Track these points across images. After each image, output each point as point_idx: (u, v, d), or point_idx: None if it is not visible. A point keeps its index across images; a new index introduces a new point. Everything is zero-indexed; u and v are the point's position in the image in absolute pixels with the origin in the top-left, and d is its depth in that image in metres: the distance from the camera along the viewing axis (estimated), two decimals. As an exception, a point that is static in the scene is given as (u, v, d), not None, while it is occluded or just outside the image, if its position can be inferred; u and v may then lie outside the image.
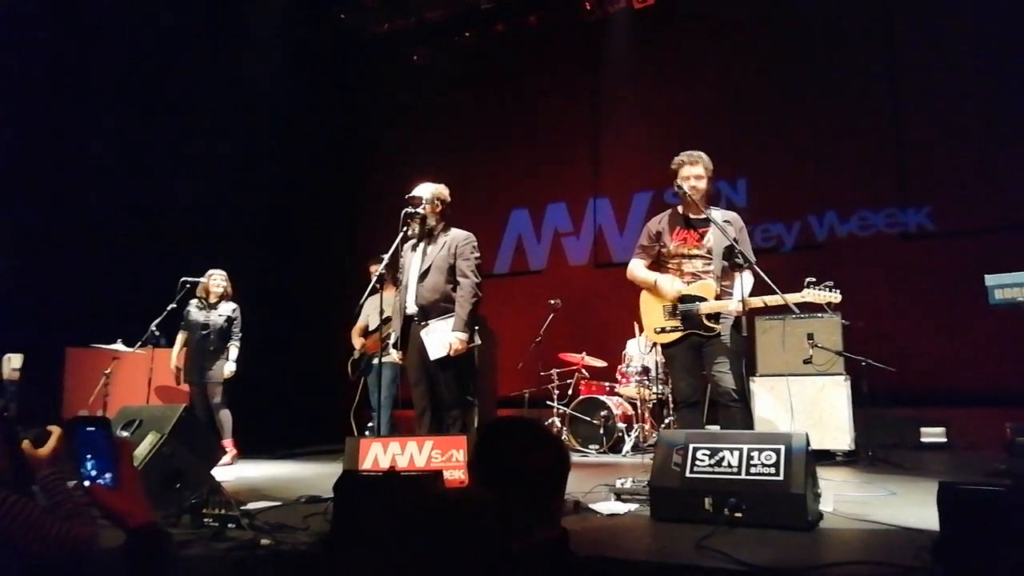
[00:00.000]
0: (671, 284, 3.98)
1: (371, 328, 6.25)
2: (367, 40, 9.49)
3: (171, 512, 3.43)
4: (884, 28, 7.36)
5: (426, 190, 4.37)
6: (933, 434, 6.23)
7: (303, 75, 8.64)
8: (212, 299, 6.16)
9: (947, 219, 6.88)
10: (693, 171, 4.02)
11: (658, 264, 4.16)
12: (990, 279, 3.50)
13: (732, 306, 3.85)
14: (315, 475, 5.28)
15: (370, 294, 4.48)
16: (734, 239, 3.89)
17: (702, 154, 4.09)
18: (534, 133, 8.89)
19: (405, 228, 4.29)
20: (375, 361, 6.01)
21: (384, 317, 5.99)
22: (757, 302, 3.82)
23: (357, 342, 6.44)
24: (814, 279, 3.73)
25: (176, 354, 6.16)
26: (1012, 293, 3.42)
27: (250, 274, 6.63)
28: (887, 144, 7.21)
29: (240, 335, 6.22)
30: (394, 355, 4.35)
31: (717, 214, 4.03)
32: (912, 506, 3.49)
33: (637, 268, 4.20)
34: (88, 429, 1.35)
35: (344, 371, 6.55)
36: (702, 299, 3.95)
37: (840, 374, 5.61)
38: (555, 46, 8.89)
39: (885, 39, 7.34)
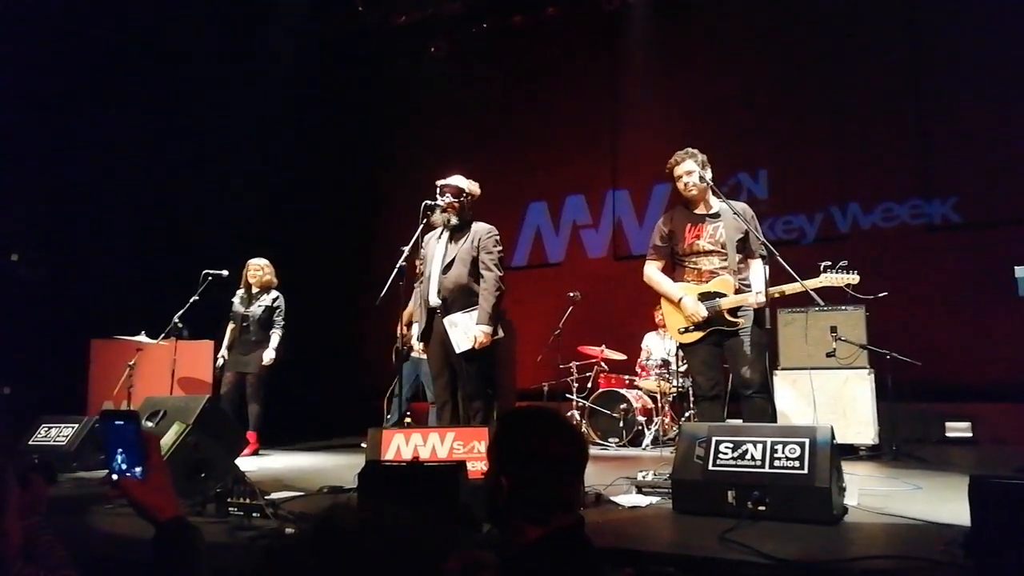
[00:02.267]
0: (695, 307, 3.93)
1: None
2: (385, 32, 9.50)
3: (196, 501, 3.47)
4: (907, 18, 7.24)
5: (462, 182, 4.37)
6: (958, 429, 6.14)
7: (322, 68, 8.68)
8: (254, 289, 6.21)
9: (973, 210, 6.76)
10: (683, 168, 4.03)
11: (673, 263, 4.14)
12: (1020, 270, 3.43)
13: (752, 299, 3.84)
14: (336, 466, 5.32)
15: (391, 286, 4.49)
16: (744, 231, 3.90)
17: (690, 150, 4.07)
18: (552, 125, 8.86)
19: (425, 219, 4.29)
20: (414, 354, 6.03)
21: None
22: (775, 292, 3.81)
23: (402, 330, 6.38)
24: (830, 263, 3.69)
25: (225, 346, 6.24)
26: (1043, 285, 3.35)
27: (278, 265, 6.65)
28: (911, 135, 7.10)
29: (283, 323, 6.18)
30: (417, 347, 4.36)
31: (725, 206, 4.01)
32: (939, 501, 3.44)
33: (654, 273, 4.18)
34: (118, 423, 1.37)
35: (388, 357, 6.47)
36: (722, 295, 3.93)
37: (864, 367, 5.54)
38: (573, 37, 8.85)
39: (908, 29, 7.22)
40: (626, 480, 4.03)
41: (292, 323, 6.37)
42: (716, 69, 8.02)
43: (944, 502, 3.35)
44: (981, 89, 6.68)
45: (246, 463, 5.07)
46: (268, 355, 6.07)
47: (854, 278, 3.71)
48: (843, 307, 5.54)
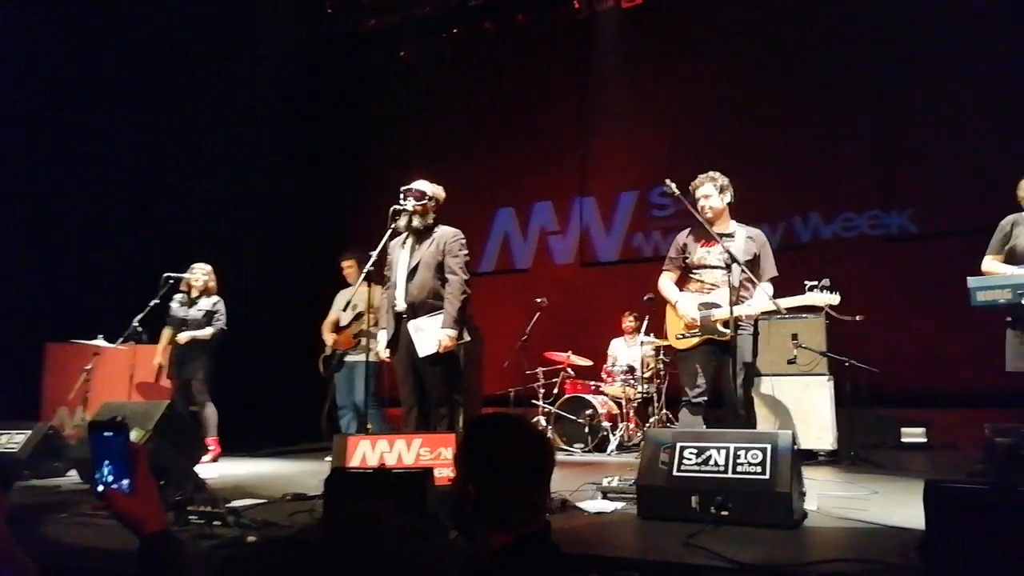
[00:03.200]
0: (687, 308, 4.16)
1: (342, 324, 6.14)
2: (355, 36, 9.45)
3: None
4: (869, 33, 7.43)
5: (425, 186, 4.36)
6: (913, 434, 6.30)
7: (289, 70, 8.57)
8: (194, 294, 6.06)
9: (929, 222, 6.97)
10: (702, 192, 4.27)
11: (684, 274, 4.33)
12: (972, 281, 3.54)
13: (743, 311, 4.02)
14: (299, 473, 5.25)
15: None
16: (755, 253, 4.12)
17: (712, 174, 4.30)
18: (520, 131, 8.90)
19: (393, 224, 4.28)
20: (347, 359, 5.99)
21: (356, 313, 5.95)
22: (765, 307, 4.00)
23: (328, 338, 6.24)
24: (815, 282, 3.88)
25: (160, 350, 6.07)
26: (994, 295, 3.46)
27: (236, 270, 6.55)
28: (871, 147, 7.29)
29: (223, 326, 6.05)
30: (383, 353, 4.33)
31: (742, 230, 4.23)
32: (895, 505, 3.53)
33: (665, 283, 4.39)
34: (106, 434, 1.36)
35: (316, 368, 6.34)
36: (717, 306, 4.08)
37: (823, 374, 5.66)
38: (543, 44, 8.91)
39: (870, 44, 7.41)
40: (592, 486, 4.05)
41: (259, 328, 6.28)
42: (683, 80, 8.14)
43: (899, 506, 3.43)
44: (940, 103, 6.89)
45: (207, 470, 4.98)
46: (204, 332, 5.90)
47: (835, 299, 3.92)
48: (804, 315, 5.66)
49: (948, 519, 2.12)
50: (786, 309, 3.98)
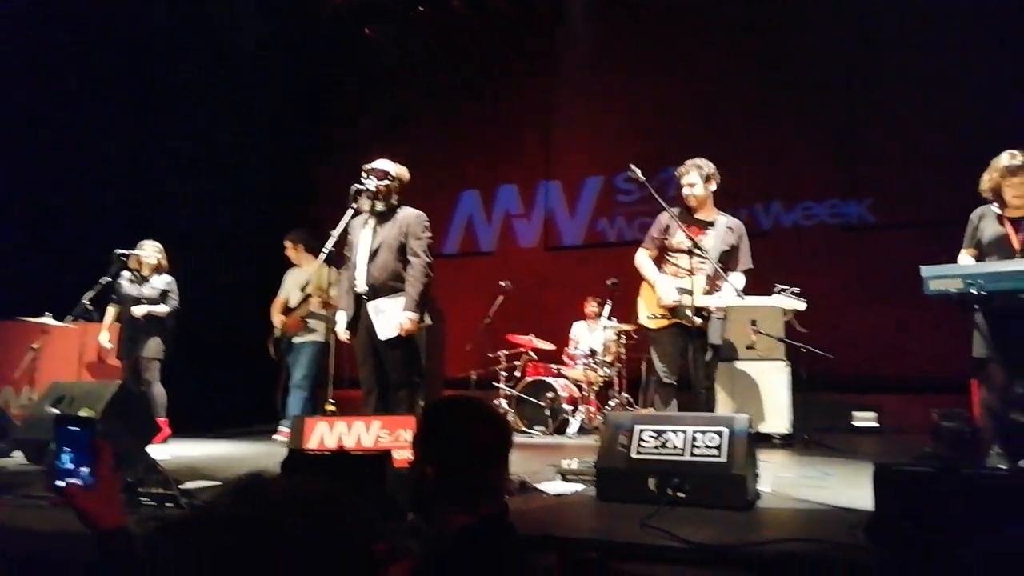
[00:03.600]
0: (667, 292, 4.19)
1: (291, 305, 6.06)
2: (318, 12, 9.22)
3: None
4: (833, 27, 7.52)
5: (390, 166, 4.28)
6: (865, 419, 6.48)
7: (249, 46, 8.33)
8: (145, 271, 5.90)
9: (887, 212, 7.13)
10: (686, 180, 4.33)
11: (661, 255, 4.37)
12: (925, 270, 3.61)
13: (714, 302, 4.11)
14: (256, 454, 5.18)
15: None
16: (733, 244, 4.17)
17: (699, 161, 4.34)
18: (486, 113, 8.83)
19: (353, 204, 4.20)
20: (295, 340, 5.94)
21: (305, 295, 5.88)
22: (736, 302, 4.11)
23: (277, 319, 6.13)
24: (785, 286, 4.00)
25: (106, 327, 5.91)
26: (945, 284, 3.53)
27: (190, 247, 6.39)
28: (832, 138, 7.41)
29: (177, 305, 5.90)
30: (342, 335, 4.27)
31: (723, 219, 4.29)
32: (846, 487, 3.61)
33: (643, 259, 4.42)
34: (72, 428, 1.35)
35: (267, 350, 6.21)
36: (690, 293, 4.12)
37: (780, 360, 5.77)
38: (511, 26, 8.83)
39: (833, 36, 7.50)
40: (551, 468, 4.07)
41: (215, 309, 6.14)
42: (649, 66, 8.16)
43: (850, 488, 3.51)
44: (900, 96, 7.01)
45: (158, 451, 4.88)
46: (160, 308, 5.76)
47: (801, 305, 4.04)
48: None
49: (895, 500, 2.17)
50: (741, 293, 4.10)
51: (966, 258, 3.89)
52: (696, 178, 4.27)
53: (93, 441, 1.33)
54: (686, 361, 4.21)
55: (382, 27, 9.15)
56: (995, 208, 3.81)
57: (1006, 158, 3.74)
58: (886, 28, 7.14)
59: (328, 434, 3.59)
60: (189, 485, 3.61)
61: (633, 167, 4.25)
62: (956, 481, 2.17)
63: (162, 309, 5.77)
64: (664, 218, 4.39)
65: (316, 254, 5.99)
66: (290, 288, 6.10)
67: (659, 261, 4.39)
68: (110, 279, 5.66)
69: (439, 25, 9.07)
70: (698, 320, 4.09)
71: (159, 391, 5.78)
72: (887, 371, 6.61)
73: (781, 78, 7.59)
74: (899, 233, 6.75)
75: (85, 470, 1.31)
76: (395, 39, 9.09)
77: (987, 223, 3.83)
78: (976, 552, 1.99)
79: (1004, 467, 3.50)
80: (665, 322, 4.24)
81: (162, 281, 5.89)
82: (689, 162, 4.32)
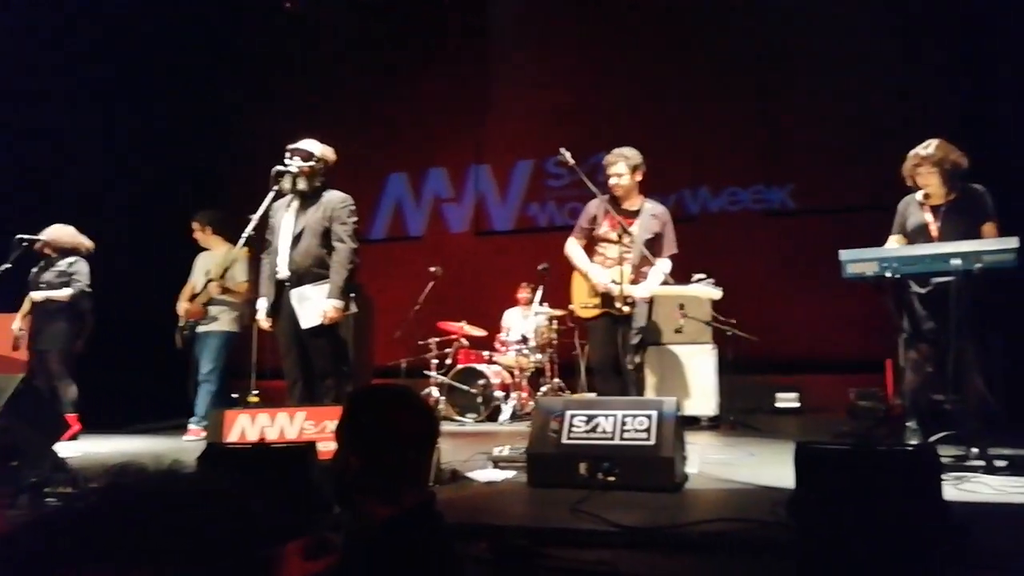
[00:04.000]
0: (601, 279, 4.27)
1: (198, 291, 5.70)
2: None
3: (7, 492, 3.10)
4: (753, 17, 7.69)
5: (315, 147, 4.09)
6: (787, 399, 6.72)
7: (160, 15, 7.88)
8: (53, 255, 5.54)
9: (807, 198, 7.36)
10: (612, 170, 4.34)
11: (590, 244, 4.45)
12: (844, 254, 3.73)
13: (637, 292, 4.18)
14: (171, 449, 4.95)
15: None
16: (657, 231, 4.24)
17: (625, 152, 4.35)
18: (415, 94, 8.64)
19: (275, 186, 4.03)
20: (198, 329, 5.62)
21: (208, 280, 5.60)
22: (654, 291, 4.26)
23: (181, 306, 5.73)
24: (703, 275, 4.18)
25: (20, 316, 5.53)
26: (862, 267, 3.66)
27: (98, 233, 6.00)
28: (755, 126, 7.59)
29: (82, 286, 5.45)
30: (263, 322, 4.10)
31: (648, 206, 4.34)
32: (769, 466, 3.72)
33: (573, 249, 4.49)
34: None
35: (173, 340, 5.76)
36: (616, 283, 4.20)
37: (708, 343, 5.89)
38: (439, 6, 8.65)
39: (755, 28, 7.67)
40: (483, 455, 4.05)
41: (124, 298, 5.79)
42: (580, 52, 8.16)
43: (773, 467, 3.62)
44: (819, 86, 7.23)
45: (67, 448, 4.60)
46: (61, 292, 5.39)
47: (717, 294, 4.22)
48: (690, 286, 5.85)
49: (815, 477, 2.23)
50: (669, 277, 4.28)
51: (894, 244, 4.03)
52: (623, 168, 4.31)
53: None
54: (617, 347, 4.30)
55: (302, 2, 8.79)
56: (918, 196, 3.97)
57: (918, 149, 3.91)
58: (800, 23, 7.34)
59: (249, 427, 3.45)
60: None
61: (563, 151, 4.23)
62: (870, 457, 2.24)
63: (61, 294, 5.38)
64: (592, 207, 4.46)
65: (226, 236, 5.78)
66: (198, 273, 5.77)
67: (588, 250, 4.45)
68: (11, 266, 5.27)
69: (365, 3, 8.81)
70: (627, 308, 4.19)
71: (67, 385, 5.44)
72: (808, 352, 6.85)
73: (706, 68, 7.72)
74: (819, 218, 6.99)
75: None
76: (318, 14, 8.75)
77: (911, 211, 4.00)
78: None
79: (916, 443, 3.66)
80: (597, 311, 4.33)
81: (65, 263, 5.52)
82: (616, 152, 4.35)
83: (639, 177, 4.37)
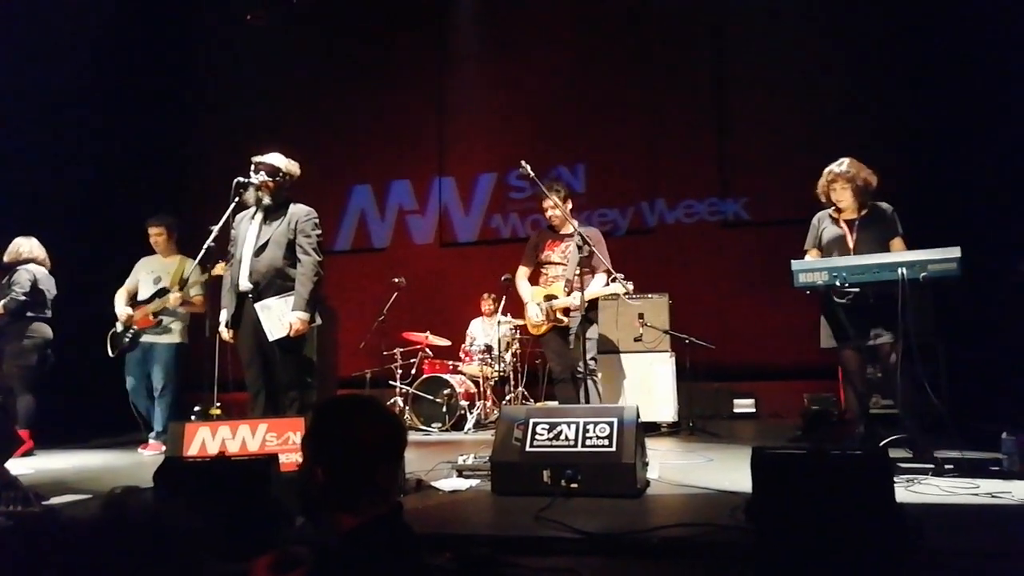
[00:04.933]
0: (531, 313, 4.95)
1: (141, 297, 5.56)
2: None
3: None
4: (711, 33, 7.92)
5: (279, 160, 4.09)
6: (744, 405, 6.89)
7: (121, 29, 7.75)
8: (10, 268, 5.40)
9: (760, 210, 7.56)
10: (547, 203, 4.87)
11: (537, 268, 5.03)
12: (796, 264, 3.86)
13: (571, 302, 4.66)
14: (129, 464, 4.87)
15: (201, 263, 4.20)
16: (591, 250, 4.44)
17: (555, 186, 4.84)
18: (377, 106, 8.66)
19: (237, 198, 4.00)
20: (143, 339, 5.48)
21: (159, 288, 5.50)
22: (588, 296, 4.46)
23: (122, 310, 5.50)
24: (621, 275, 4.48)
25: None
26: (812, 277, 3.79)
27: (52, 247, 5.85)
28: (710, 140, 7.78)
29: (20, 295, 5.29)
30: (224, 333, 4.06)
31: (581, 230, 4.56)
32: (727, 471, 3.81)
33: (520, 282, 5.09)
34: None
35: (105, 345, 5.58)
36: (555, 297, 4.79)
37: (666, 351, 6.00)
38: (401, 17, 8.68)
39: (710, 44, 7.91)
40: (447, 465, 4.06)
41: (82, 310, 5.64)
42: (540, 64, 8.26)
43: (731, 471, 3.71)
44: (772, 102, 7.45)
45: (19, 465, 4.48)
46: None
47: (629, 287, 4.54)
48: (650, 295, 5.98)
49: (770, 482, 2.30)
50: (612, 293, 4.82)
51: (811, 258, 4.20)
52: (557, 200, 4.77)
53: None
54: (569, 356, 4.78)
55: (266, 12, 8.73)
56: (831, 212, 4.16)
57: (833, 166, 4.17)
58: (752, 43, 7.59)
59: (210, 440, 3.41)
60: (55, 501, 3.35)
61: (524, 164, 4.29)
62: (823, 461, 2.33)
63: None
64: (534, 238, 5.13)
65: (178, 245, 5.70)
66: (143, 277, 5.61)
67: (536, 274, 5.05)
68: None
69: (326, 13, 8.79)
70: (565, 319, 4.78)
71: (21, 399, 5.28)
72: (763, 359, 7.02)
73: (663, 84, 7.91)
74: (772, 230, 7.16)
75: None
76: (280, 26, 8.70)
77: (826, 225, 4.23)
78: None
79: (867, 447, 3.78)
80: (546, 326, 4.86)
81: (10, 274, 5.39)
82: (546, 187, 4.75)
83: (569, 205, 4.90)
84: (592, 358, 4.62)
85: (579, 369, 4.43)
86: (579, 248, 4.33)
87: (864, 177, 4.07)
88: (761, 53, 7.55)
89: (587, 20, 8.21)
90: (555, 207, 4.79)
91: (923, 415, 3.83)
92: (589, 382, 4.36)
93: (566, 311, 4.77)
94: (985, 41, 5.94)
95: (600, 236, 4.88)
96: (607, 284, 4.74)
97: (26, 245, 5.54)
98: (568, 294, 4.75)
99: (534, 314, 4.90)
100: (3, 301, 5.29)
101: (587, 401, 4.28)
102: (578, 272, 4.45)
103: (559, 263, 4.89)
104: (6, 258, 5.44)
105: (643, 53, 7.98)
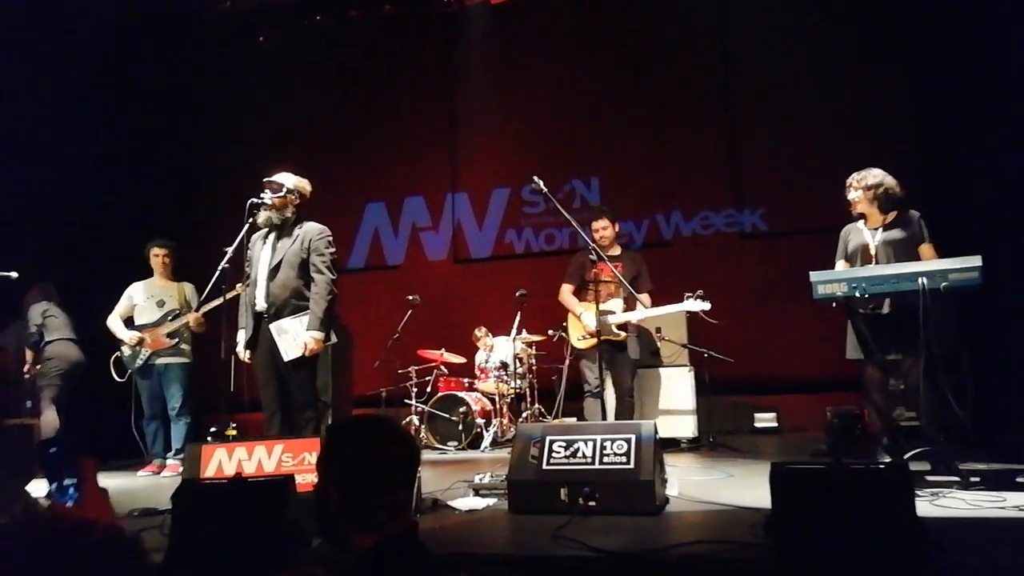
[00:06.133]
0: (589, 320, 4.97)
1: (145, 321, 5.61)
2: (209, 17, 8.85)
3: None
4: (720, 44, 7.90)
5: (288, 179, 4.13)
6: (765, 419, 6.79)
7: (136, 52, 7.86)
8: None
9: (779, 220, 7.50)
10: (599, 224, 5.22)
11: (583, 285, 5.24)
12: (814, 275, 3.80)
13: (632, 317, 5.03)
14: (147, 487, 4.88)
15: (212, 288, 4.22)
16: (637, 272, 5.12)
17: (604, 208, 5.36)
18: (390, 124, 8.72)
19: (251, 219, 4.04)
20: (158, 361, 5.55)
21: (169, 310, 5.56)
22: (647, 315, 5.08)
23: (124, 334, 5.55)
24: (691, 293, 4.85)
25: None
26: (833, 288, 3.73)
27: (65, 270, 5.92)
28: (726, 151, 7.74)
29: (32, 329, 5.60)
30: (242, 354, 4.08)
31: (627, 253, 5.23)
32: (748, 487, 3.74)
33: (567, 297, 5.31)
34: (51, 451, 1.32)
35: (110, 370, 5.65)
36: (612, 313, 5.02)
37: (685, 365, 5.94)
38: (412, 36, 8.78)
39: (721, 55, 7.89)
40: (464, 483, 4.03)
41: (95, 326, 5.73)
42: (552, 79, 8.29)
43: (752, 488, 3.64)
44: (787, 112, 7.39)
45: (42, 487, 4.51)
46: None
47: (707, 306, 4.86)
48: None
49: (791, 498, 2.25)
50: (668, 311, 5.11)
51: (839, 268, 4.15)
52: (607, 222, 5.19)
53: (64, 457, 1.33)
54: (612, 372, 5.10)
55: (278, 34, 8.87)
56: (861, 223, 4.12)
57: (855, 175, 4.16)
58: (768, 44, 7.53)
59: (227, 461, 3.41)
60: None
61: (536, 179, 4.29)
62: (846, 476, 2.27)
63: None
64: (579, 257, 5.30)
65: (175, 272, 5.81)
66: (142, 302, 5.65)
67: (579, 291, 5.26)
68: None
69: (337, 34, 8.90)
70: (622, 334, 5.04)
71: (49, 419, 5.35)
72: (784, 373, 6.93)
73: (674, 92, 7.90)
74: (791, 240, 7.11)
75: (70, 487, 1.30)
76: (292, 48, 8.82)
77: (853, 235, 4.18)
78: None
79: (889, 460, 3.71)
80: (594, 341, 4.78)
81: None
82: (596, 209, 5.19)
83: (618, 227, 5.27)
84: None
85: (627, 390, 4.94)
86: (628, 267, 4.87)
87: (887, 186, 4.02)
88: (770, 62, 7.51)
89: (596, 34, 8.23)
90: (606, 228, 5.18)
91: (948, 427, 3.74)
92: (630, 401, 4.86)
93: (622, 327, 5.06)
94: (1005, 47, 5.87)
95: (643, 259, 5.35)
96: (688, 301, 4.99)
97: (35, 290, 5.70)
98: (626, 311, 5.07)
99: (590, 322, 4.97)
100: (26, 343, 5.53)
101: (629, 416, 4.83)
102: (630, 292, 4.87)
103: (611, 282, 5.10)
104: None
105: (653, 65, 7.98)
